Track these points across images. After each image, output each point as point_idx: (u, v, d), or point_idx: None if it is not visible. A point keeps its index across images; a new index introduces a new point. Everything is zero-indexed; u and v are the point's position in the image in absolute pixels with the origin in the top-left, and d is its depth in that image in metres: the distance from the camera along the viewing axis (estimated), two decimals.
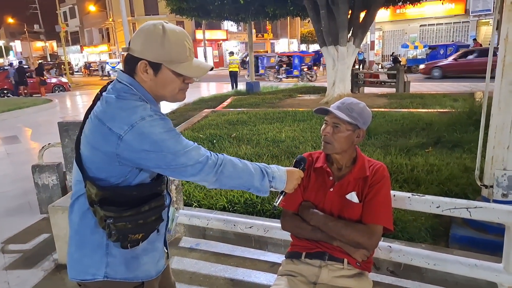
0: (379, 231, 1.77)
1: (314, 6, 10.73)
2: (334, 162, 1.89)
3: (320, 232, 1.82)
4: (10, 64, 22.30)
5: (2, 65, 32.84)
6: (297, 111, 8.58)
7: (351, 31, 10.82)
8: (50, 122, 11.14)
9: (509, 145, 2.80)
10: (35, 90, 20.05)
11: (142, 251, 1.43)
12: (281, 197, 1.70)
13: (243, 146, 5.85)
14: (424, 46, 25.38)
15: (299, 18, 15.57)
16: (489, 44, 3.07)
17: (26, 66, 24.15)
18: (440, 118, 6.79)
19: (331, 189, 1.85)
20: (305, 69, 22.60)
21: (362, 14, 11.15)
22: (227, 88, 18.26)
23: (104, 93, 1.36)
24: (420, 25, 31.86)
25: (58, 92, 22.22)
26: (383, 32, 34.07)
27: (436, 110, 8.10)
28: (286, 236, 2.04)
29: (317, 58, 31.34)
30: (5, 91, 20.56)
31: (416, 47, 25.81)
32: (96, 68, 40.40)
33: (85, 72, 44.35)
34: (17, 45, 60.42)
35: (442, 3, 23.40)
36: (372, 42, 26.92)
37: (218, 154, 1.42)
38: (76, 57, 57.30)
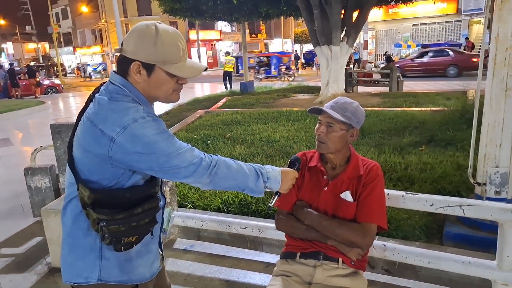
0: (373, 230, 1.78)
1: (307, 6, 10.75)
2: (328, 161, 1.89)
3: (314, 232, 1.82)
4: (0, 67, 22.09)
5: None
6: (291, 111, 8.58)
7: (344, 31, 10.85)
8: (43, 124, 11.07)
9: (501, 142, 2.82)
10: (27, 92, 19.96)
11: (136, 254, 1.41)
12: (276, 197, 1.70)
13: (237, 146, 5.84)
14: (417, 45, 25.51)
15: (292, 18, 15.59)
16: (481, 43, 3.09)
17: (18, 68, 23.98)
18: (433, 117, 6.83)
19: (325, 188, 1.85)
20: (283, 69, 23.17)
21: (355, 14, 11.18)
22: (221, 88, 18.24)
23: (96, 95, 1.35)
24: (413, 25, 32.03)
25: (51, 93, 22.07)
26: (376, 31, 34.20)
27: (429, 108, 8.14)
28: (281, 236, 2.04)
29: (310, 58, 31.49)
30: None
31: (409, 46, 25.94)
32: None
33: (78, 74, 44.09)
34: (8, 46, 59.89)
35: (434, 3, 23.55)
36: (365, 42, 27.02)
37: (212, 155, 1.42)
38: (69, 58, 56.93)
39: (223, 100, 12.40)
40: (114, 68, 1.41)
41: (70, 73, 50.25)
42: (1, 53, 57.38)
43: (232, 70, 18.45)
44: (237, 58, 25.69)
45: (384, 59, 24.08)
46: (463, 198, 2.15)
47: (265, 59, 24.58)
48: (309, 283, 1.80)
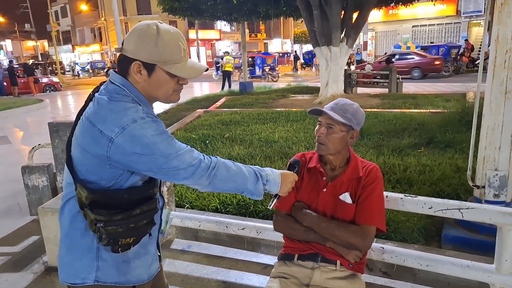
0: (372, 232, 1.77)
1: (307, 7, 10.75)
2: (328, 162, 1.88)
3: (313, 233, 1.81)
4: None
5: None
6: (290, 111, 8.58)
7: (344, 32, 10.85)
8: (41, 122, 11.05)
9: (501, 145, 2.82)
10: (24, 90, 19.96)
11: (134, 255, 1.41)
12: (275, 200, 1.69)
13: (236, 146, 5.83)
14: (416, 47, 25.51)
15: (292, 18, 15.59)
16: (481, 45, 3.09)
17: (16, 66, 23.95)
18: (433, 119, 6.83)
19: (324, 190, 1.84)
20: (267, 70, 23.66)
21: (355, 15, 11.19)
22: (220, 88, 18.23)
23: (96, 94, 1.34)
24: (413, 26, 32.08)
25: (49, 92, 22.03)
26: (375, 32, 34.25)
27: (428, 110, 8.14)
28: (279, 237, 2.03)
29: (310, 59, 31.51)
30: None
31: (408, 48, 25.93)
32: (100, 66, 40.15)
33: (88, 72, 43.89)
34: (7, 44, 59.80)
35: (434, 4, 23.52)
36: (365, 43, 27.08)
37: (211, 157, 1.41)
38: (67, 56, 56.79)
39: (222, 100, 12.39)
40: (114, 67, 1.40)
41: (68, 71, 50.17)
42: (0, 51, 57.28)
43: (231, 69, 18.49)
44: (221, 58, 26.16)
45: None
46: (462, 201, 2.14)
47: (249, 59, 24.88)
48: (307, 285, 1.80)
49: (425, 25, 31.42)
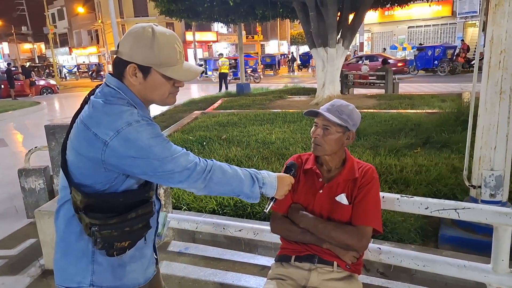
0: (369, 232, 1.77)
1: (304, 8, 10.77)
2: (324, 163, 1.88)
3: (309, 235, 1.81)
4: None
5: None
6: (287, 113, 8.59)
7: (340, 33, 10.87)
8: (38, 124, 11.00)
9: (496, 145, 2.83)
10: (22, 92, 19.91)
11: (129, 259, 1.40)
12: (271, 203, 1.68)
13: (233, 148, 5.83)
14: (412, 48, 25.61)
15: (288, 20, 15.61)
16: (476, 46, 3.10)
17: (14, 68, 23.90)
18: (429, 119, 6.85)
19: (321, 191, 1.85)
20: (249, 71, 24.16)
21: (351, 16, 11.21)
22: (216, 89, 18.24)
23: (92, 97, 1.33)
24: (408, 27, 32.18)
25: (46, 94, 21.99)
26: (372, 33, 34.34)
27: (424, 110, 8.17)
28: (276, 239, 2.03)
29: (306, 60, 31.62)
30: None
31: (404, 49, 26.03)
32: (85, 70, 40.34)
33: (79, 74, 43.82)
34: (4, 47, 59.57)
35: (430, 5, 23.54)
36: (361, 44, 27.12)
37: (207, 160, 1.40)
38: (65, 59, 56.66)
39: (219, 102, 12.39)
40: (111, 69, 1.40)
41: (75, 73, 50.01)
42: None
43: (227, 71, 18.57)
44: (205, 60, 27.61)
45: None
46: (458, 201, 2.15)
47: (232, 61, 25.69)
48: (304, 286, 1.80)
49: (421, 26, 31.53)
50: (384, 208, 2.15)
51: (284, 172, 1.74)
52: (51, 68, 37.93)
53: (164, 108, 11.47)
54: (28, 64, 41.96)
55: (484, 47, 2.84)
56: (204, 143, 6.24)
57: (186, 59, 1.43)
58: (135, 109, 1.30)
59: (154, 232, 1.52)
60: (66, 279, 1.36)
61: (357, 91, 14.58)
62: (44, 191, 4.32)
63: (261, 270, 3.05)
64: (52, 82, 24.48)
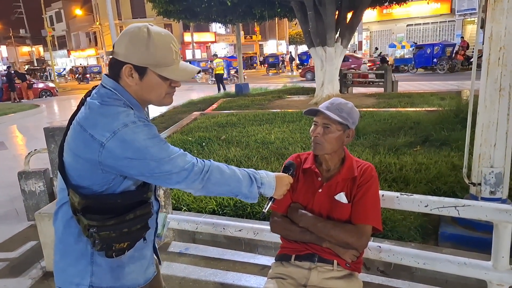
0: (368, 231, 1.77)
1: (302, 7, 10.76)
2: (323, 162, 1.88)
3: (309, 234, 1.81)
4: None
5: None
6: (286, 112, 8.59)
7: (338, 32, 10.87)
8: (37, 127, 10.99)
9: (496, 142, 2.83)
10: (19, 95, 19.99)
11: (129, 259, 1.40)
12: (270, 203, 1.67)
13: (232, 148, 5.83)
14: (411, 46, 25.64)
15: (286, 19, 15.60)
16: (474, 43, 3.10)
17: (12, 72, 23.92)
18: (428, 117, 6.85)
19: (320, 190, 1.84)
20: (232, 72, 24.73)
21: (349, 15, 11.21)
22: (215, 90, 18.27)
23: (88, 99, 1.33)
24: (407, 25, 32.20)
25: (45, 97, 22.00)
26: (370, 32, 34.36)
27: (423, 109, 8.17)
28: (276, 238, 2.03)
29: (305, 59, 31.69)
30: None
31: (403, 47, 26.05)
32: (96, 71, 40.40)
33: (72, 77, 43.96)
34: (2, 50, 59.59)
35: (428, 3, 23.68)
36: (360, 42, 27.16)
37: (205, 160, 1.39)
38: (63, 61, 56.71)
39: (218, 102, 12.39)
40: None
41: (64, 76, 50.13)
42: None
43: (223, 72, 18.78)
44: (189, 62, 28.00)
45: (379, 59, 24.20)
46: (458, 199, 2.15)
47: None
48: (304, 285, 1.80)
49: (420, 24, 31.56)
50: (384, 206, 2.15)
51: (282, 172, 1.73)
52: (45, 71, 38.20)
53: (163, 109, 11.47)
54: (27, 67, 42.04)
55: (483, 44, 2.84)
56: (204, 144, 6.24)
57: (184, 59, 1.42)
58: (131, 110, 1.30)
59: (153, 233, 1.51)
60: (66, 281, 1.36)
61: (356, 90, 14.58)
62: (44, 194, 4.32)
63: (262, 270, 3.05)
64: (51, 85, 24.49)
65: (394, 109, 8.31)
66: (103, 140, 1.22)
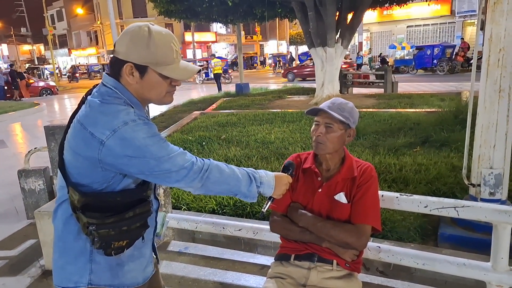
0: (368, 231, 1.77)
1: (302, 8, 10.77)
2: (323, 162, 1.88)
3: (309, 234, 1.81)
4: None
5: None
6: (286, 112, 8.59)
7: (339, 33, 10.88)
8: (38, 126, 11.02)
9: (495, 143, 2.83)
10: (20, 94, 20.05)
11: (128, 258, 1.40)
12: (269, 203, 1.68)
13: (232, 148, 5.83)
14: (411, 47, 25.66)
15: (287, 19, 15.61)
16: (474, 45, 3.11)
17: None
18: (428, 118, 6.86)
19: (320, 190, 1.85)
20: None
21: (350, 16, 11.22)
22: (216, 90, 18.31)
23: (88, 97, 1.33)
24: (407, 26, 32.21)
25: (46, 95, 22.01)
26: (370, 33, 34.36)
27: (423, 109, 8.18)
28: (276, 238, 2.03)
29: (305, 60, 31.84)
30: None
31: (403, 48, 26.07)
32: (84, 71, 40.55)
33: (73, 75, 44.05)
34: (3, 48, 59.63)
35: (428, 4, 23.69)
36: (360, 43, 27.17)
37: (204, 159, 1.40)
38: (64, 60, 56.72)
39: (219, 102, 12.39)
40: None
41: (65, 75, 50.20)
42: None
43: (220, 71, 18.97)
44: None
45: (379, 60, 24.25)
46: (458, 200, 2.15)
47: (205, 63, 26.65)
48: (304, 285, 1.80)
49: (420, 25, 31.56)
50: (383, 206, 2.16)
51: (282, 172, 1.74)
52: (35, 71, 38.54)
53: (164, 109, 11.48)
54: (27, 65, 42.16)
55: (482, 45, 2.85)
56: (204, 143, 6.25)
57: (185, 58, 1.43)
58: (131, 108, 1.30)
59: (152, 231, 1.52)
60: (64, 279, 1.36)
61: (356, 90, 14.58)
62: (44, 192, 4.32)
63: (261, 269, 3.05)
64: (52, 83, 24.52)
65: (394, 110, 8.32)
66: (103, 138, 1.22)
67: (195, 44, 38.78)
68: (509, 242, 2.08)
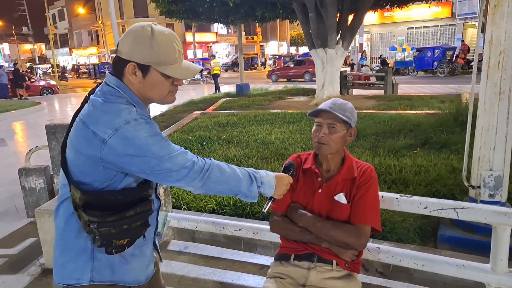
0: (367, 231, 1.78)
1: (303, 9, 10.79)
2: (324, 163, 1.89)
3: (308, 234, 1.82)
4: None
5: None
6: (286, 113, 8.59)
7: (339, 34, 10.89)
8: (38, 124, 11.01)
9: (495, 146, 2.84)
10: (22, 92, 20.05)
11: (129, 256, 1.40)
12: (270, 203, 1.68)
13: (233, 148, 5.83)
14: (412, 49, 25.68)
15: (288, 21, 15.63)
16: (475, 47, 3.11)
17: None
18: (428, 120, 6.87)
19: (320, 190, 1.85)
20: (205, 74, 25.04)
21: (351, 17, 11.23)
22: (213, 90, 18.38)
23: (91, 96, 1.34)
24: (408, 28, 32.20)
25: (47, 94, 22.02)
26: (371, 34, 34.35)
27: (423, 111, 8.19)
28: (276, 238, 2.03)
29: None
30: None
31: (404, 50, 26.08)
32: (85, 70, 40.61)
33: (74, 75, 44.07)
34: (4, 47, 59.66)
35: (429, 7, 23.65)
36: (361, 45, 27.17)
37: (205, 159, 1.40)
38: (65, 59, 56.77)
39: (219, 102, 12.39)
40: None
41: (49, 74, 50.30)
42: None
43: (219, 72, 19.06)
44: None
45: (379, 62, 24.27)
46: (457, 201, 2.15)
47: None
48: (303, 285, 1.80)
49: (420, 27, 31.55)
50: (383, 207, 2.16)
51: (282, 172, 1.74)
52: (34, 69, 38.77)
53: (164, 108, 11.49)
54: (28, 64, 42.22)
55: (483, 48, 2.85)
56: (204, 143, 6.25)
57: (186, 58, 1.44)
58: (133, 107, 1.31)
59: (153, 230, 1.52)
60: (65, 276, 1.36)
61: (356, 91, 14.59)
62: (44, 191, 4.32)
63: (261, 269, 3.06)
64: (52, 82, 24.52)
65: (394, 111, 8.32)
66: (105, 136, 1.23)
67: (195, 44, 38.79)
68: (509, 244, 2.08)
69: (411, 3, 13.22)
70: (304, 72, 24.94)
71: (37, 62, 51.63)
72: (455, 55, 22.71)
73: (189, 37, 40.30)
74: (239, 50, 16.68)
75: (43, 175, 4.30)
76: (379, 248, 2.37)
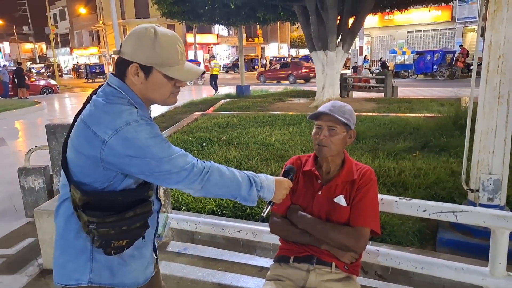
0: (367, 233, 1.78)
1: (304, 12, 10.82)
2: (324, 165, 1.90)
3: (308, 236, 1.82)
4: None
5: None
6: (286, 115, 8.59)
7: (340, 37, 10.91)
8: (38, 124, 11.02)
9: (494, 149, 2.84)
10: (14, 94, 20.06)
11: (128, 258, 1.40)
12: (269, 207, 1.67)
13: (232, 149, 5.83)
14: (412, 52, 25.72)
15: (289, 23, 15.66)
16: (474, 51, 3.13)
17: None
18: (427, 123, 6.87)
19: (319, 192, 1.86)
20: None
21: (351, 20, 11.26)
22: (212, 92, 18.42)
23: (93, 96, 1.35)
24: (408, 31, 32.27)
25: (47, 94, 22.01)
26: (371, 37, 34.42)
27: (423, 114, 8.19)
28: (275, 240, 2.03)
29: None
30: None
31: (404, 53, 26.13)
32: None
33: (74, 74, 44.07)
34: (5, 46, 59.68)
35: (429, 10, 23.69)
36: (361, 48, 27.21)
37: (205, 161, 1.40)
38: (65, 59, 56.80)
39: (219, 103, 12.40)
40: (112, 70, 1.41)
41: (66, 73, 50.30)
42: None
43: (218, 73, 19.18)
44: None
45: (379, 65, 24.32)
46: (456, 204, 2.16)
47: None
48: (302, 287, 1.81)
49: (420, 30, 31.63)
50: (382, 210, 2.16)
51: (282, 176, 1.74)
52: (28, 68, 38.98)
53: (164, 109, 11.49)
54: (29, 64, 42.29)
55: (482, 52, 2.86)
56: (204, 144, 6.25)
57: (187, 60, 1.45)
58: (135, 108, 1.31)
59: (153, 232, 1.52)
60: (65, 277, 1.36)
61: (356, 94, 14.61)
62: (44, 191, 4.32)
63: (260, 271, 3.06)
64: (53, 82, 24.51)
65: (394, 114, 8.33)
66: (105, 137, 1.24)
67: (196, 45, 38.82)
68: (507, 248, 2.09)
69: (411, 7, 13.24)
70: (289, 74, 26.17)
71: (38, 61, 51.63)
72: (454, 59, 22.75)
73: (190, 38, 40.33)
74: (239, 52, 16.72)
75: (43, 175, 4.30)
76: (378, 250, 2.38)
